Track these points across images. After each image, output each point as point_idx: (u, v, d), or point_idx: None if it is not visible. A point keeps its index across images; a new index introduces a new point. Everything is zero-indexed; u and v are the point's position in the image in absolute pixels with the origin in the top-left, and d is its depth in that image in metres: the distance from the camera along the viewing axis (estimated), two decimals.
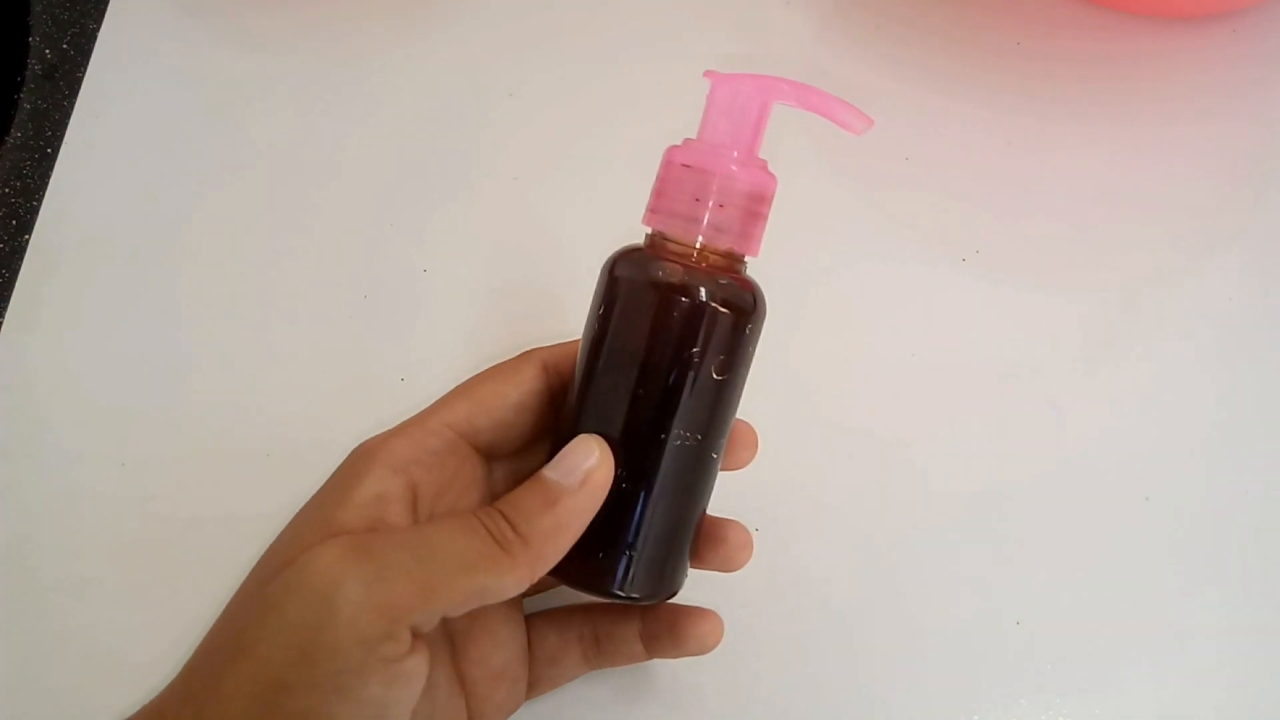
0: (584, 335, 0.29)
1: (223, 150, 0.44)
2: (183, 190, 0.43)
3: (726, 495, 0.31)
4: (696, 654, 0.32)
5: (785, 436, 0.34)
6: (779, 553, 0.35)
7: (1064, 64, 0.46)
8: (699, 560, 0.31)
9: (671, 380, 0.28)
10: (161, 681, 0.26)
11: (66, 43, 0.47)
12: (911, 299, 0.42)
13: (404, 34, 0.47)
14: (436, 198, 0.43)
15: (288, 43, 0.47)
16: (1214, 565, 0.37)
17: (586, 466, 0.27)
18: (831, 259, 0.42)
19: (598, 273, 0.29)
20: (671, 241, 0.28)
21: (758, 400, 0.31)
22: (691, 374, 0.28)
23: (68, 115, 0.44)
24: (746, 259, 0.29)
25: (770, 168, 0.29)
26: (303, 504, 0.28)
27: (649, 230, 0.29)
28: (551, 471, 0.27)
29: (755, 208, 0.28)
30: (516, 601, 0.32)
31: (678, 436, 0.28)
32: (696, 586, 0.31)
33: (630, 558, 0.28)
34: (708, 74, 0.29)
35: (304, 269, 0.42)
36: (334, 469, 0.29)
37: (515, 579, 0.26)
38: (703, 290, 0.27)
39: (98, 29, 0.47)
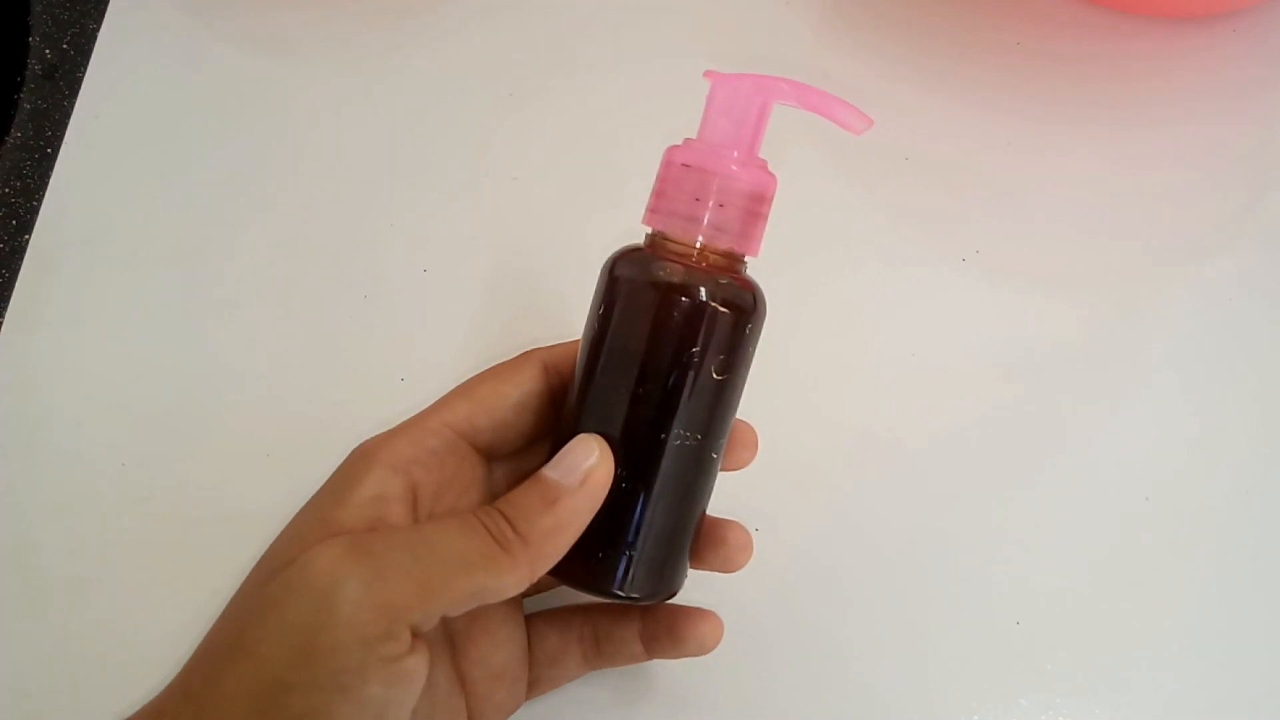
0: (584, 335, 0.29)
1: (223, 150, 0.44)
2: (183, 190, 0.43)
3: (726, 495, 0.31)
4: (696, 655, 0.32)
5: (785, 436, 0.34)
6: (779, 553, 0.35)
7: (1064, 64, 0.46)
8: (699, 561, 0.31)
9: (671, 380, 0.28)
10: (161, 681, 0.26)
11: (66, 43, 0.47)
12: (911, 299, 0.42)
13: (404, 34, 0.47)
14: (436, 198, 0.43)
15: (288, 43, 0.47)
16: (1214, 565, 0.37)
17: (586, 466, 0.27)
18: (831, 259, 0.42)
19: (598, 272, 0.29)
20: (672, 241, 0.28)
21: (758, 400, 0.31)
22: (692, 374, 0.28)
23: (68, 115, 0.44)
24: (746, 259, 0.29)
25: (770, 168, 0.29)
26: (303, 504, 0.28)
27: (649, 230, 0.29)
28: (551, 471, 0.27)
29: (755, 207, 0.28)
30: (516, 601, 0.32)
31: (678, 436, 0.28)
32: (696, 587, 0.31)
33: (630, 557, 0.28)
34: (708, 74, 0.29)
35: (304, 269, 0.42)
36: (334, 469, 0.29)
37: (515, 578, 0.26)
38: (703, 290, 0.27)
39: (98, 29, 0.47)
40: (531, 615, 0.33)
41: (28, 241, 0.42)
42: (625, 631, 0.32)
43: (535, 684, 0.32)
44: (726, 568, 0.31)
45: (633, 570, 0.29)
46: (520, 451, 0.31)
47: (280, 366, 0.40)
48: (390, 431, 0.29)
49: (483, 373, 0.30)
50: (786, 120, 0.30)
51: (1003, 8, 0.47)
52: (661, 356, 0.28)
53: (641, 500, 0.28)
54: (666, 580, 0.30)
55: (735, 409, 0.30)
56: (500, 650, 0.31)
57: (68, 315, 0.40)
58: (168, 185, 0.43)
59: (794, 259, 0.36)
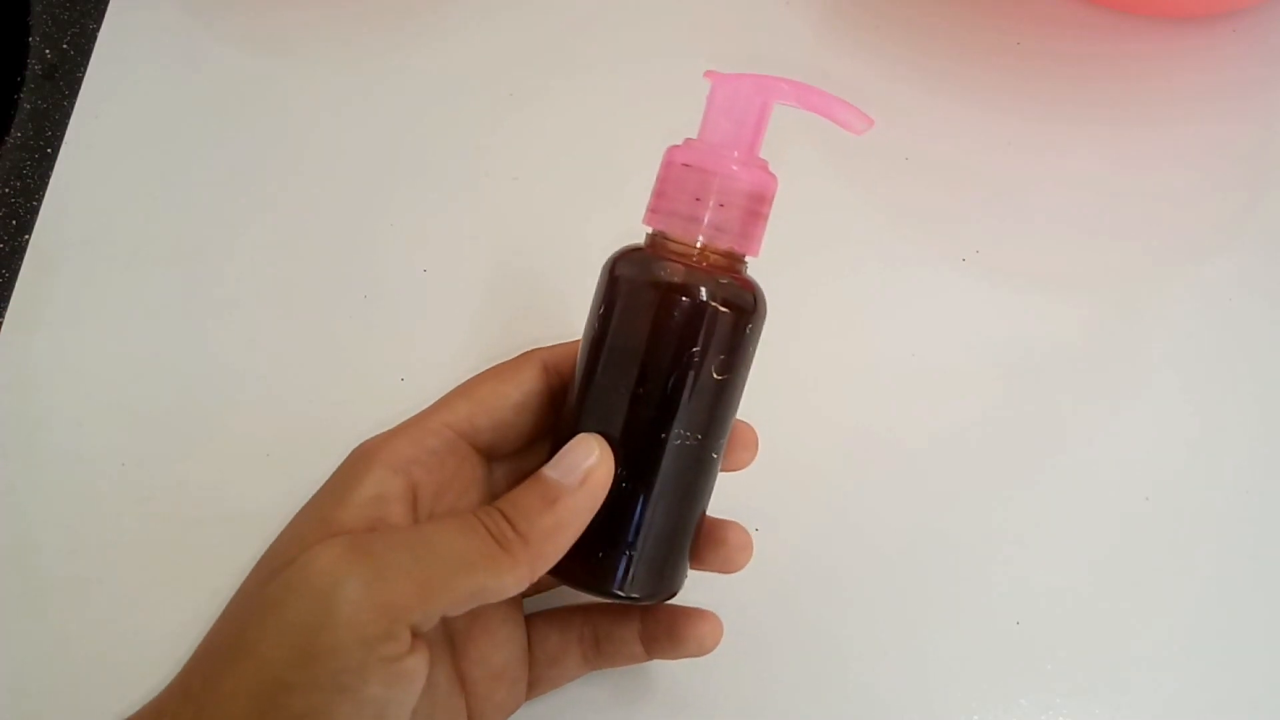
0: (584, 335, 0.29)
1: (223, 150, 0.44)
2: (183, 190, 0.43)
3: (726, 495, 0.31)
4: (696, 655, 0.31)
5: (785, 436, 0.34)
6: (779, 553, 0.35)
7: (1064, 64, 0.46)
8: (699, 561, 0.31)
9: (672, 380, 0.28)
10: (161, 681, 0.26)
11: (66, 43, 0.47)
12: (911, 299, 0.42)
13: (404, 34, 0.47)
14: (436, 198, 0.43)
15: (288, 43, 0.47)
16: (1214, 565, 0.37)
17: (586, 465, 0.27)
18: (832, 259, 0.42)
19: (598, 272, 0.29)
20: (672, 241, 0.28)
21: (758, 400, 0.31)
22: (692, 374, 0.28)
23: (68, 115, 0.45)
24: (747, 259, 0.29)
25: (771, 168, 0.29)
26: (303, 504, 0.28)
27: (649, 230, 0.29)
28: (551, 470, 0.27)
29: (756, 207, 0.28)
30: (516, 601, 0.32)
31: (678, 436, 0.28)
32: (696, 587, 0.31)
33: (630, 557, 0.28)
34: (708, 74, 0.29)
35: (304, 269, 0.42)
36: (334, 469, 0.29)
37: (515, 578, 0.26)
38: (703, 290, 0.27)
39: (98, 29, 0.47)
40: (531, 615, 0.33)
41: (28, 241, 0.42)
42: (625, 632, 0.32)
43: (535, 684, 0.32)
44: (726, 568, 0.31)
45: (633, 570, 0.29)
46: (520, 451, 0.31)
47: (280, 366, 0.40)
48: (390, 431, 0.29)
49: (483, 373, 0.30)
50: (787, 120, 0.30)
51: (1003, 8, 0.47)
52: (662, 356, 0.28)
53: (641, 500, 0.28)
54: (666, 580, 0.30)
55: (735, 409, 0.30)
56: (500, 650, 0.31)
57: (68, 315, 0.40)
58: (168, 185, 0.43)
59: (794, 259, 0.35)
